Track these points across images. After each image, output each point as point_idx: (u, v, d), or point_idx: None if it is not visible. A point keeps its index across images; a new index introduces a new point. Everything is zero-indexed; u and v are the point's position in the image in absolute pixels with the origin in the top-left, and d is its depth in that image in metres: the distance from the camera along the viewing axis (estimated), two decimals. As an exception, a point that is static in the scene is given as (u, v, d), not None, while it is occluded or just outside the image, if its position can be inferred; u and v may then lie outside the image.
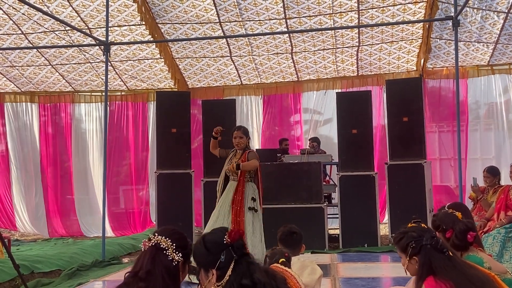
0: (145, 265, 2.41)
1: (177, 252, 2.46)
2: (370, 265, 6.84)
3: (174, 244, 2.46)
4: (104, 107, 8.02)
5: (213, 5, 8.81)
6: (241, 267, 2.37)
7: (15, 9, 8.86)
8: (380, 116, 10.35)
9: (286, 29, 9.31)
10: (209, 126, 8.95)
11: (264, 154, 9.03)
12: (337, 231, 8.46)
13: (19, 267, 4.81)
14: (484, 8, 8.52)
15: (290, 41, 9.72)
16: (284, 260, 3.23)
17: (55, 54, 10.16)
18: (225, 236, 2.41)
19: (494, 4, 8.43)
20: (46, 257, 7.21)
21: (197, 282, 2.52)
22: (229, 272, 2.35)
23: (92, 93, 11.39)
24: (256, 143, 10.85)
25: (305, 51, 10.05)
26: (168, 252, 2.44)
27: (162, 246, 2.45)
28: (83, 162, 11.38)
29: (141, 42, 9.69)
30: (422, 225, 2.76)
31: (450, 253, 2.61)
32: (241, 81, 11.02)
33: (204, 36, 9.55)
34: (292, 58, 10.23)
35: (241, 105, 10.97)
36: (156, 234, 2.49)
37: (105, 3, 7.81)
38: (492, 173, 6.78)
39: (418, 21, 9.04)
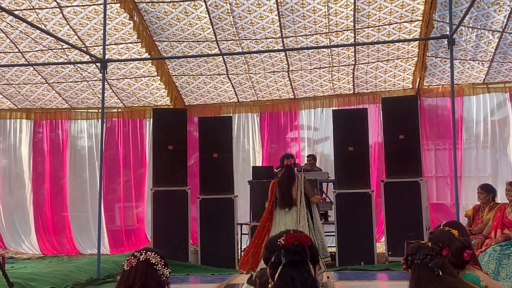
0: (138, 279, 2.47)
1: (166, 268, 2.55)
2: (366, 283, 6.82)
3: (162, 260, 2.55)
4: (100, 124, 8.02)
5: (209, 24, 8.85)
6: (285, 275, 2.24)
7: (12, 27, 8.89)
8: (376, 133, 10.36)
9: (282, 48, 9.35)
10: (206, 143, 9.02)
11: (262, 171, 9.05)
12: (334, 249, 8.44)
13: (13, 285, 4.76)
14: (479, 27, 8.59)
15: (287, 60, 9.75)
16: None
17: (52, 72, 10.17)
18: (281, 238, 2.33)
19: (489, 23, 8.49)
20: (40, 274, 7.14)
21: None
22: (276, 276, 2.27)
23: (89, 110, 11.39)
24: (253, 161, 10.85)
25: (301, 70, 10.09)
26: (158, 267, 2.53)
27: (152, 261, 2.53)
28: (79, 179, 11.33)
29: (138, 60, 9.70)
30: (428, 244, 2.83)
31: (441, 273, 2.64)
32: (237, 99, 11.04)
33: (201, 54, 9.59)
34: (289, 76, 10.26)
35: (237, 123, 10.98)
36: (144, 251, 2.57)
37: (102, 22, 7.84)
38: (486, 189, 6.79)
39: (413, 40, 9.10)
